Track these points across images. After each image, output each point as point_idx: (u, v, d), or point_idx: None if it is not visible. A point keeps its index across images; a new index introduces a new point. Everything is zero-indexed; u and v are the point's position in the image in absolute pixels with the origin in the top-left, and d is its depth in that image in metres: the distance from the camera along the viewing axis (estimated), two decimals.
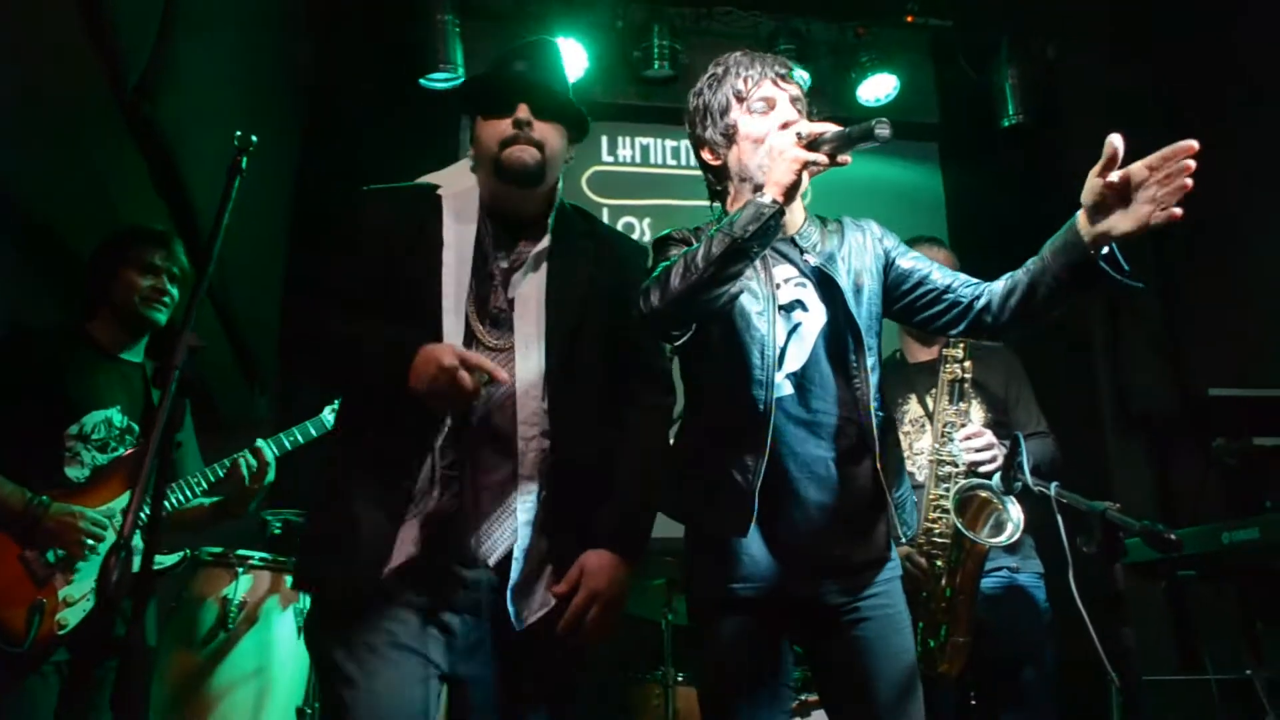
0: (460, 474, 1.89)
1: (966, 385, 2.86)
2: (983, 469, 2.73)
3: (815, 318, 2.14)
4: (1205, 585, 4.57)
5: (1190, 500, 5.14)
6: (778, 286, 2.14)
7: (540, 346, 1.98)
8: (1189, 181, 1.75)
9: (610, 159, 5.68)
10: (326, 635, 1.85)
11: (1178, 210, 1.77)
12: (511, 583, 1.88)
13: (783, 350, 2.09)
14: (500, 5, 5.42)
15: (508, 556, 1.89)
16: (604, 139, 5.70)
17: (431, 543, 1.86)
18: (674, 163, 5.71)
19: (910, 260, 2.25)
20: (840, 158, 1.96)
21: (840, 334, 2.12)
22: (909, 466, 2.90)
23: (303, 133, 5.04)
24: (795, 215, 2.24)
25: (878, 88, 5.63)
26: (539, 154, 2.00)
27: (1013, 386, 3.16)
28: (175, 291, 2.90)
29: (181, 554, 2.84)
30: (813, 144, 1.93)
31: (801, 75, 2.23)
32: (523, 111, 2.00)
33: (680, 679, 3.59)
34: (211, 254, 1.78)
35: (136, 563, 1.48)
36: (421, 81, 5.02)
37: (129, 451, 2.75)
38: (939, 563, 2.75)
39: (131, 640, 1.56)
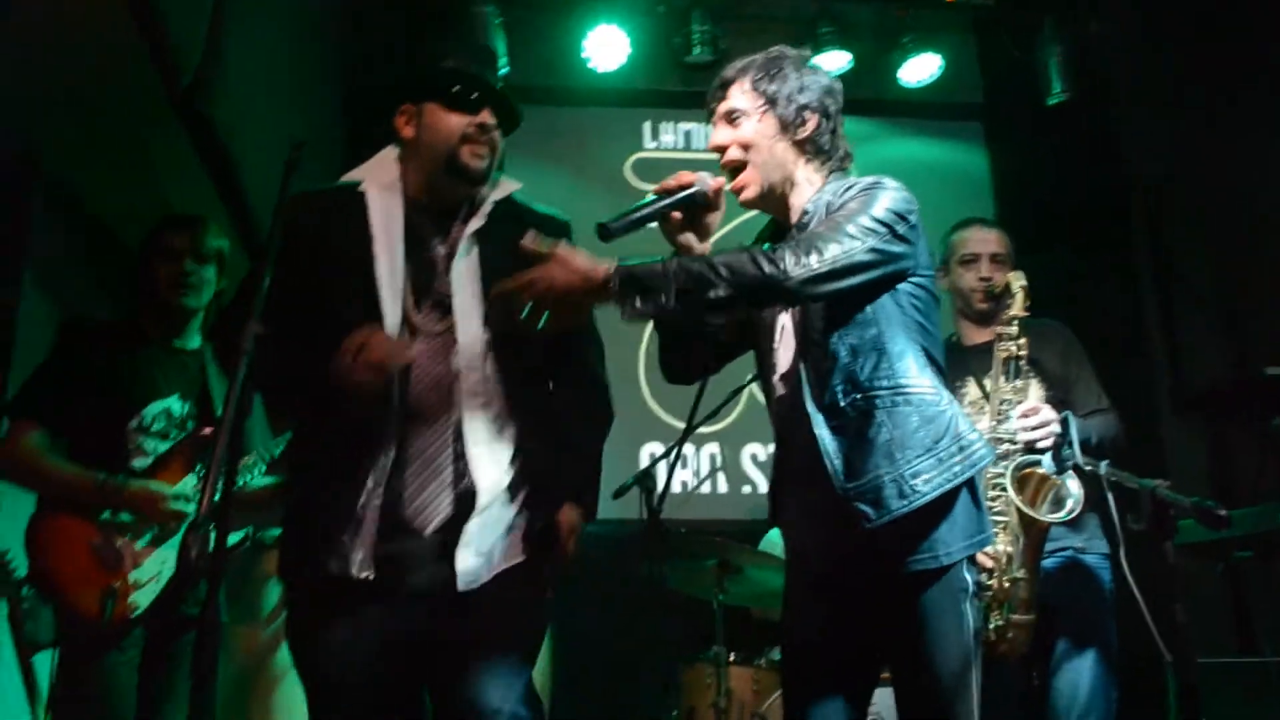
0: (403, 453, 1.98)
1: (1022, 363, 2.83)
2: (1039, 445, 2.70)
3: None
4: (1263, 566, 4.51)
5: (1248, 480, 5.06)
6: None
7: (479, 320, 2.05)
8: None
9: (653, 145, 5.69)
10: (302, 636, 2.00)
11: None
12: (466, 547, 1.96)
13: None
14: None
15: (448, 523, 1.97)
16: (647, 126, 5.71)
17: (387, 525, 1.94)
18: None
19: None
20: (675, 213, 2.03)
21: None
22: None
23: (348, 130, 5.10)
24: (801, 194, 2.12)
25: (921, 69, 5.57)
26: (491, 160, 2.11)
27: (1072, 364, 3.12)
28: (206, 273, 2.89)
29: (244, 532, 2.90)
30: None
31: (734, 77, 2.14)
32: (487, 117, 2.09)
33: (733, 659, 3.61)
34: (274, 240, 1.83)
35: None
36: None
37: (186, 437, 2.82)
38: (998, 543, 2.72)
39: (206, 617, 1.61)
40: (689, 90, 5.66)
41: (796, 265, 1.79)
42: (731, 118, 2.10)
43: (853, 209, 1.93)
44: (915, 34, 5.52)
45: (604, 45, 5.30)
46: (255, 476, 2.88)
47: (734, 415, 5.00)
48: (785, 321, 2.05)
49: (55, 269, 3.50)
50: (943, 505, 1.90)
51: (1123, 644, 3.08)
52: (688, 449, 5.07)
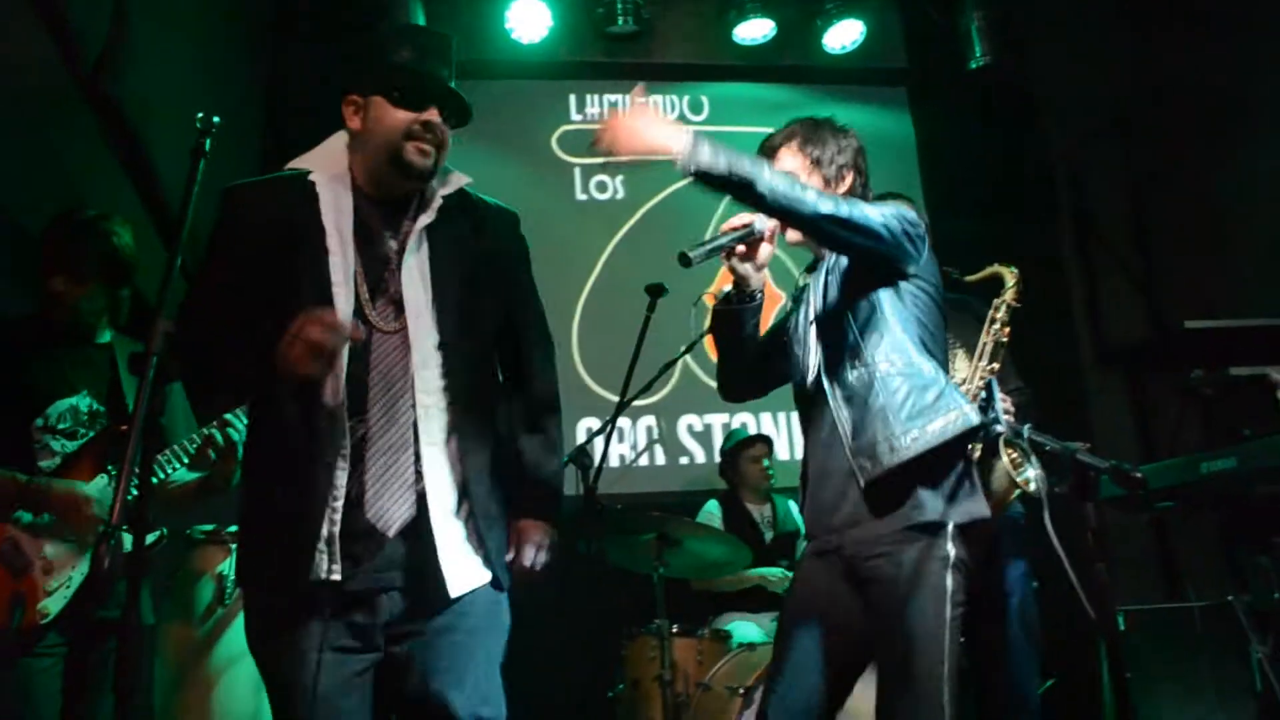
0: (361, 457, 1.94)
1: (1002, 350, 2.95)
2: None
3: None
4: (1186, 516, 4.66)
5: (1169, 432, 5.22)
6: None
7: (432, 320, 2.03)
8: None
9: (579, 117, 5.65)
10: (264, 642, 1.94)
11: None
12: (440, 552, 1.94)
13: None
14: None
15: (410, 526, 1.95)
16: (572, 98, 5.66)
17: (350, 525, 1.91)
18: None
19: None
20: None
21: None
22: None
23: (266, 110, 4.98)
24: None
25: (844, 34, 5.60)
26: (436, 155, 2.06)
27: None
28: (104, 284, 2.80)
29: (159, 533, 2.82)
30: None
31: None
32: (434, 115, 2.04)
33: (675, 631, 3.64)
34: (181, 237, 1.77)
35: (127, 545, 1.49)
36: None
37: (95, 435, 2.74)
38: None
39: (127, 621, 1.56)
40: (613, 61, 5.62)
41: (827, 204, 2.13)
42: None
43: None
44: (838, 0, 5.53)
45: (526, 17, 5.23)
46: (178, 471, 2.81)
47: (669, 388, 5.02)
48: (813, 331, 2.41)
49: None
50: (933, 468, 2.15)
51: (1056, 602, 3.17)
52: (623, 422, 5.08)
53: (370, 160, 2.07)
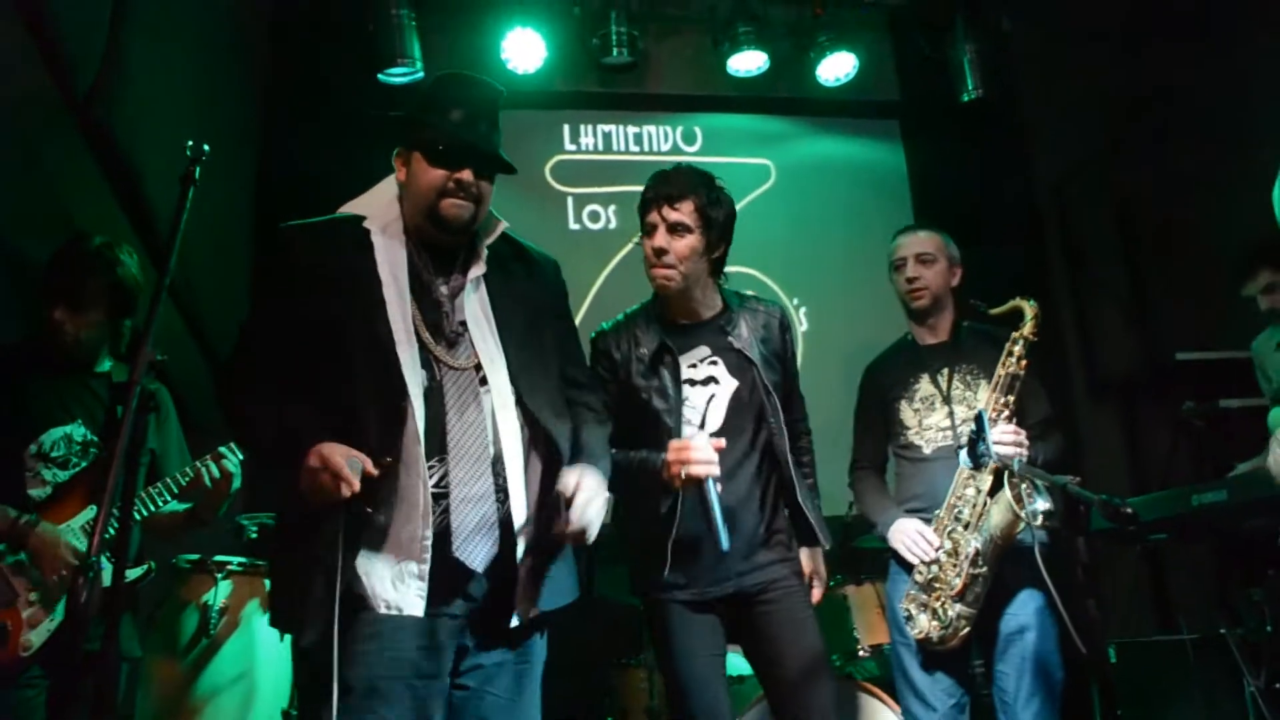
0: (445, 494, 1.97)
1: (1018, 383, 2.98)
2: (1001, 455, 2.79)
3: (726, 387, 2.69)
4: (1177, 548, 4.65)
5: (1160, 463, 5.22)
6: (693, 366, 2.69)
7: (502, 361, 2.07)
8: None
9: (573, 148, 5.66)
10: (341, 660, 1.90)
11: None
12: (517, 585, 2.01)
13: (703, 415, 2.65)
14: None
15: (493, 561, 1.99)
16: (565, 128, 5.67)
17: (439, 561, 1.93)
18: (636, 149, 5.69)
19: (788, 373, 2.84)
20: None
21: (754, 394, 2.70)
22: (917, 440, 3.13)
23: (261, 131, 4.99)
24: (712, 300, 2.76)
25: (837, 67, 5.63)
26: (474, 209, 2.09)
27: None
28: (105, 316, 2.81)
29: (146, 566, 2.79)
30: None
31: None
32: (467, 175, 2.06)
33: None
34: (168, 265, 1.76)
35: (106, 578, 1.47)
36: (380, 77, 4.96)
37: (88, 466, 2.72)
38: (957, 538, 2.89)
39: (105, 654, 1.54)
40: (608, 91, 5.65)
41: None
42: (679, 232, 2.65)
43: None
44: (831, 33, 5.57)
45: (522, 47, 5.26)
46: (168, 503, 2.79)
47: None
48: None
49: None
50: None
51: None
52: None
53: (413, 211, 2.11)
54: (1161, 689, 3.66)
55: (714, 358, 2.70)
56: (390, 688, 1.88)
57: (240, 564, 3.24)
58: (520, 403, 2.06)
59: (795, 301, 5.46)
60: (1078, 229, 5.61)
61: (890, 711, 3.36)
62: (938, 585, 2.90)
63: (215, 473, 2.77)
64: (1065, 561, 2.12)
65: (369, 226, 2.08)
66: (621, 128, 5.71)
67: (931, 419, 3.13)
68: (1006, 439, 2.81)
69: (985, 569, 2.83)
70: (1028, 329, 3.02)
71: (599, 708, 3.80)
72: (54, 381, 2.75)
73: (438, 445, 1.97)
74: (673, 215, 2.62)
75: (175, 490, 2.76)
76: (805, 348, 5.28)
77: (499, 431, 2.02)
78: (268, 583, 3.20)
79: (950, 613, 2.85)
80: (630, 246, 5.54)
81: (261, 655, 3.18)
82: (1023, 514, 2.57)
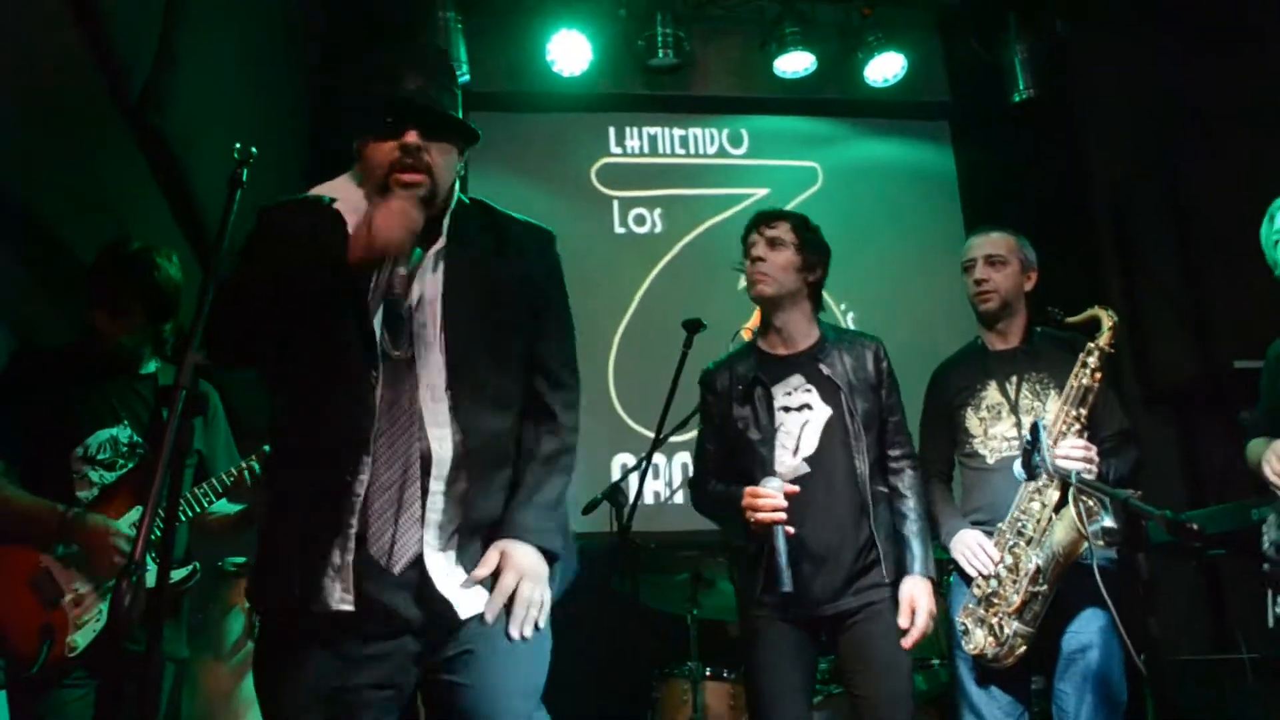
0: (369, 489, 1.87)
1: (1091, 395, 2.89)
2: (1063, 468, 2.71)
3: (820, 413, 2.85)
4: (1236, 563, 4.53)
5: (1218, 474, 5.08)
6: (788, 394, 2.87)
7: (440, 346, 1.94)
8: None
9: (619, 150, 5.64)
10: (266, 667, 1.90)
11: None
12: (438, 581, 1.87)
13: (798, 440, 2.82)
14: (502, 1, 5.39)
15: (418, 559, 1.87)
16: (611, 130, 5.66)
17: (363, 557, 1.85)
18: (682, 152, 5.66)
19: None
20: None
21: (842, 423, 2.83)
22: (981, 449, 3.05)
23: (310, 137, 5.03)
24: (809, 331, 2.95)
25: (886, 67, 5.57)
26: (429, 180, 1.94)
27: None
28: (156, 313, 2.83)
29: (191, 568, 2.80)
30: None
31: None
32: (412, 137, 1.91)
33: (708, 674, 3.57)
34: (216, 267, 1.75)
35: (151, 579, 1.47)
36: None
37: (134, 467, 2.74)
38: (1019, 554, 2.81)
39: (149, 657, 1.53)
40: (653, 94, 5.63)
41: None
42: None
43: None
44: (879, 33, 5.52)
45: (568, 50, 5.26)
46: (216, 503, 2.80)
47: None
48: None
49: (2, 287, 3.40)
50: None
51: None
52: (659, 459, 5.02)
53: (371, 195, 1.96)
54: (1219, 708, 3.56)
55: (808, 386, 2.87)
56: (307, 691, 1.83)
57: None
58: (455, 395, 1.92)
59: (842, 307, 5.40)
60: (1133, 233, 5.48)
61: None
62: (996, 600, 2.82)
63: (258, 469, 2.78)
64: (1126, 578, 2.04)
65: (340, 209, 1.97)
66: (667, 130, 5.69)
67: (997, 428, 3.04)
68: (1076, 454, 2.72)
69: (1045, 587, 2.74)
70: (1104, 340, 2.91)
71: (641, 718, 3.76)
72: (99, 385, 2.77)
73: (368, 440, 1.86)
74: (770, 232, 2.90)
75: (220, 490, 2.77)
76: None
77: (425, 425, 1.89)
78: None
79: (1007, 630, 2.77)
80: (677, 250, 5.56)
81: None
82: (1087, 532, 2.49)
